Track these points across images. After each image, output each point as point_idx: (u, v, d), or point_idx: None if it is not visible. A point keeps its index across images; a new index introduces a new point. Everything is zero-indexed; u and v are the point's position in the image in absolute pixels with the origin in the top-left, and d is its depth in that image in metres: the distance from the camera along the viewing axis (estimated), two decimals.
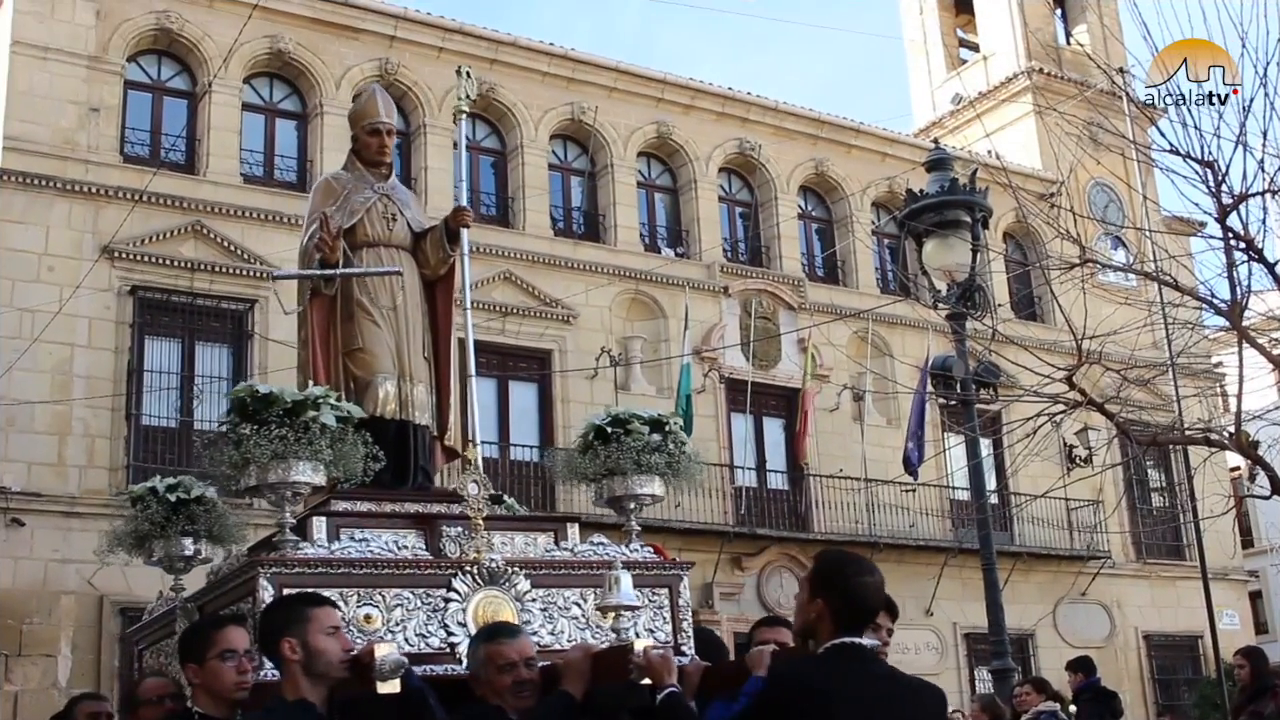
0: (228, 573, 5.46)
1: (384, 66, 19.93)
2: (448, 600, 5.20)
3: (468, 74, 6.76)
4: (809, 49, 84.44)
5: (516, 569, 5.37)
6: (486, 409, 20.03)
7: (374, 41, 20.19)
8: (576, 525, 5.88)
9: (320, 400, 5.09)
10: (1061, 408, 8.27)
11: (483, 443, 22.38)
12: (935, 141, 16.08)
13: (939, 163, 11.02)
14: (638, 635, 5.21)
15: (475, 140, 21.46)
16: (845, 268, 24.54)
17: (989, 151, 22.11)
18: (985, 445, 12.79)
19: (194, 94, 19.15)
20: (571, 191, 22.40)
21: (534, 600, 5.39)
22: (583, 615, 5.52)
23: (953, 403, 18.72)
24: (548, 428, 20.32)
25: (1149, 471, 25.79)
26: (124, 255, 17.50)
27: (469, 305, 6.49)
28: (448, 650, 5.12)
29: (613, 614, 5.12)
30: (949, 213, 10.40)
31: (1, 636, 15.86)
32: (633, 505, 5.83)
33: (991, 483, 19.72)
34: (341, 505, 5.63)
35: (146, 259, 17.70)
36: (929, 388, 21.20)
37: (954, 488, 22.16)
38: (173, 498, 6.36)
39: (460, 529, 5.42)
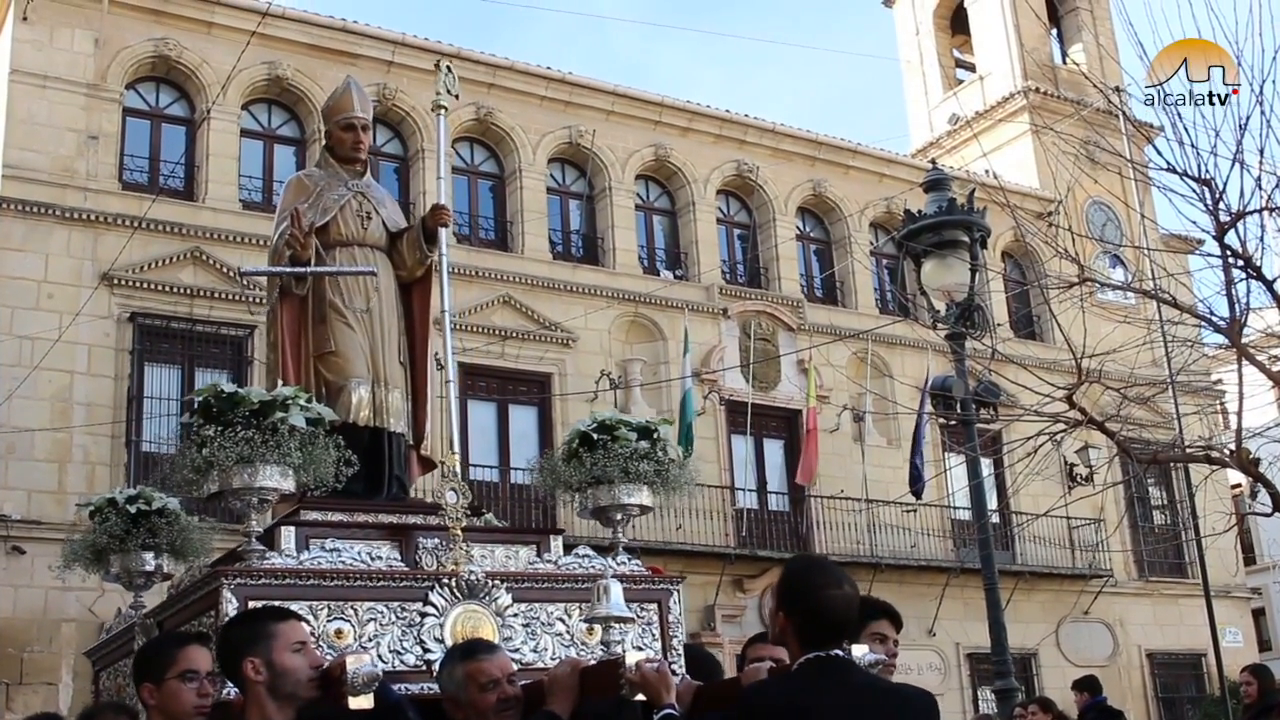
0: (188, 585, 5.13)
1: (382, 91, 19.95)
2: (424, 615, 4.91)
3: (448, 69, 6.42)
4: (806, 71, 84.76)
5: (497, 582, 5.07)
6: (486, 432, 20.06)
7: (371, 66, 20.20)
8: (560, 538, 5.60)
9: (289, 401, 4.82)
10: (1062, 426, 8.25)
11: (482, 466, 21.99)
12: (933, 162, 16.11)
13: (936, 183, 10.99)
14: (637, 649, 4.82)
15: (473, 164, 21.54)
16: (844, 288, 24.56)
17: (986, 171, 22.12)
18: (986, 465, 12.76)
19: (192, 121, 19.20)
20: (570, 215, 22.43)
21: (515, 615, 5.08)
22: (567, 631, 5.23)
23: (953, 423, 18.70)
24: (548, 451, 20.26)
25: (1150, 489, 25.79)
26: (123, 282, 17.53)
27: (448, 308, 6.05)
28: (424, 668, 4.82)
29: (602, 627, 4.77)
30: (947, 233, 10.37)
31: (2, 665, 15.82)
32: (619, 516, 5.56)
33: (993, 502, 19.71)
34: (312, 515, 5.31)
35: (146, 285, 17.72)
36: (929, 408, 21.22)
37: (955, 507, 22.12)
38: (132, 509, 5.97)
39: (437, 540, 5.13)
